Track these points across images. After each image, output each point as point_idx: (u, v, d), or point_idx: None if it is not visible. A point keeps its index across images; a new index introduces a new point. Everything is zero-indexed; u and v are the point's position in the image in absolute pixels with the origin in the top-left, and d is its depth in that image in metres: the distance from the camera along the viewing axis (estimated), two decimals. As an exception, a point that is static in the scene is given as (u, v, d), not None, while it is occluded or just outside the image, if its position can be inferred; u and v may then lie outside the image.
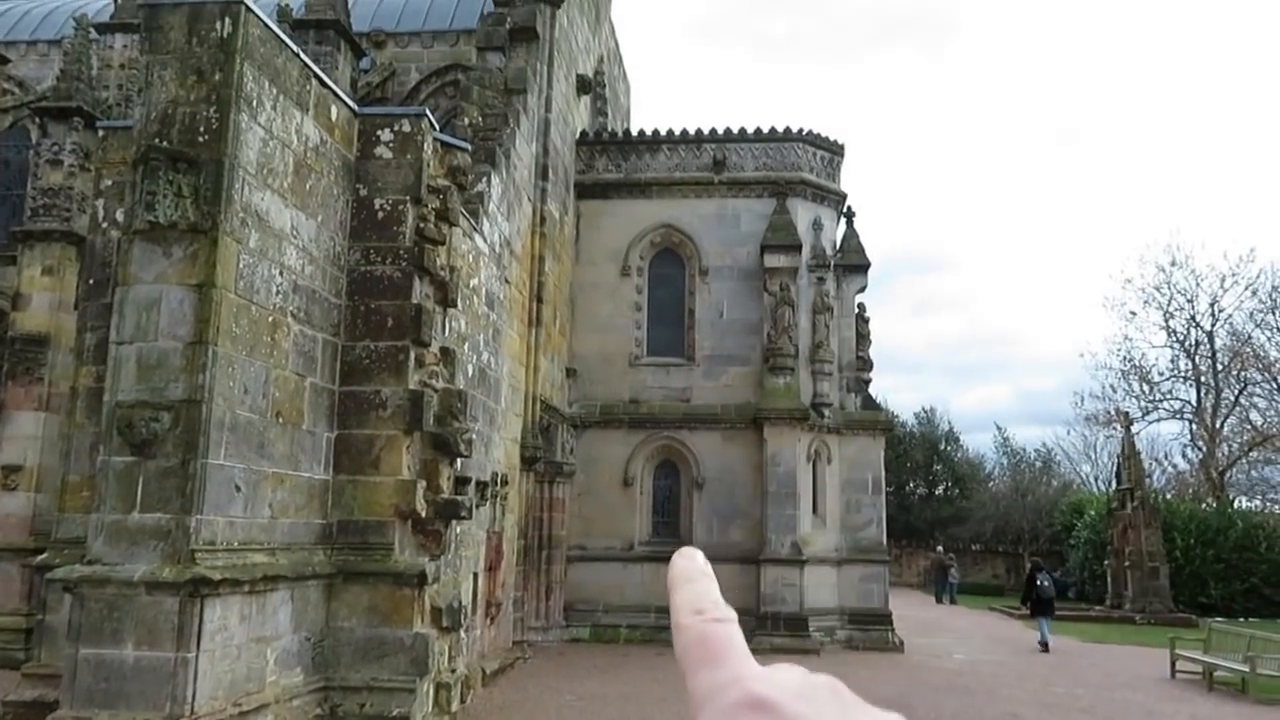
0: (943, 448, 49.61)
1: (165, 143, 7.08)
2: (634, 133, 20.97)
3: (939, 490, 49.47)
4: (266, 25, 7.76)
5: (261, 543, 7.59)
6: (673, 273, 20.20)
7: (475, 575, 13.06)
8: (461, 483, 12.07)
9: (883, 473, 20.03)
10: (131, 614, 6.60)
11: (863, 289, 20.65)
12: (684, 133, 20.24)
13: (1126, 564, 30.75)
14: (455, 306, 10.12)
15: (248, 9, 7.43)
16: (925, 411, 51.24)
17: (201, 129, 7.17)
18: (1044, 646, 19.59)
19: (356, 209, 9.26)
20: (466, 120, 15.26)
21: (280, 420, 7.91)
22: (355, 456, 8.84)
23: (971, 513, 46.08)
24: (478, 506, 13.05)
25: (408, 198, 9.27)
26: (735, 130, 20.18)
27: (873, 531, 19.48)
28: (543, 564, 18.07)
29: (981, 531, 44.53)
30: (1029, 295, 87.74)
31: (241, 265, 7.35)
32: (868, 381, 20.31)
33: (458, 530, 12.19)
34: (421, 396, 8.93)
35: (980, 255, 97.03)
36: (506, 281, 14.74)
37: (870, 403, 20.16)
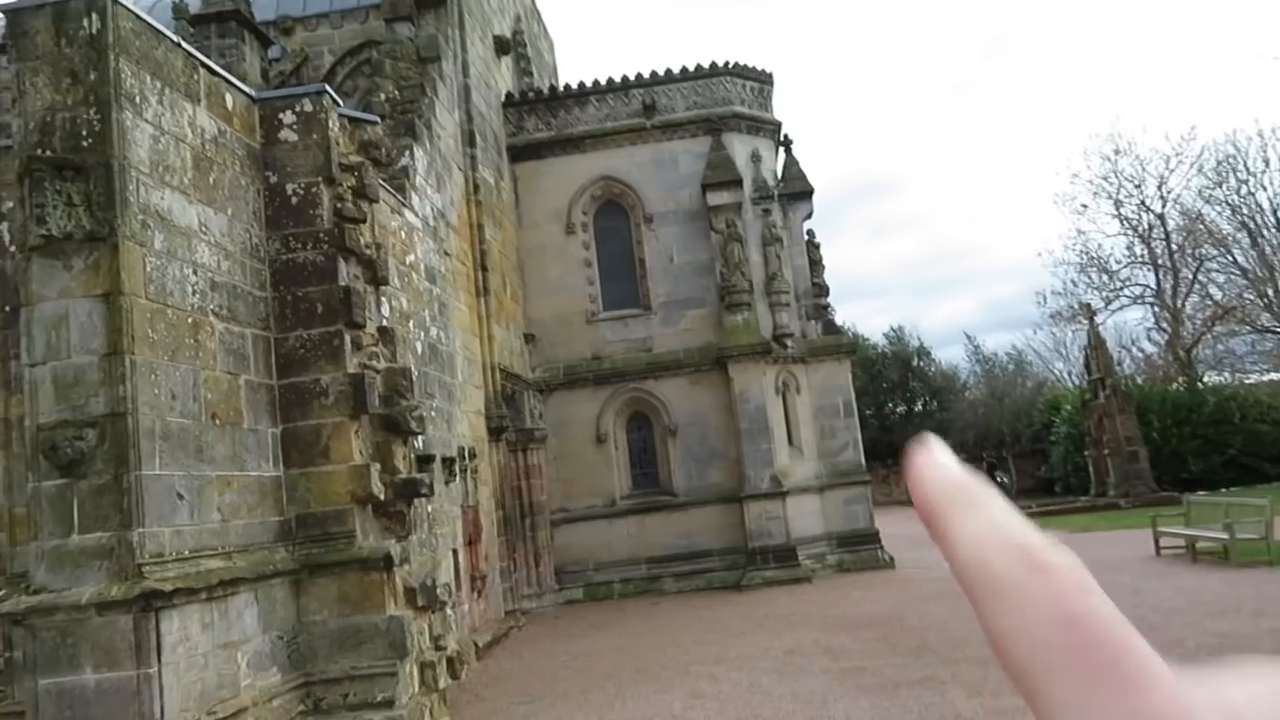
0: (915, 364, 49.89)
1: (47, 151, 6.78)
2: (560, 88, 20.58)
3: (918, 406, 49.83)
4: (139, 18, 7.42)
5: (215, 547, 7.42)
6: (618, 224, 19.98)
7: (455, 551, 12.96)
8: (425, 460, 11.94)
9: (853, 395, 20.07)
10: (85, 638, 6.44)
11: (809, 215, 20.54)
12: (610, 81, 19.91)
13: (1106, 452, 31.17)
14: (387, 284, 9.89)
15: (115, 2, 7.10)
16: (894, 331, 51.46)
17: (84, 132, 6.87)
18: None
19: (269, 197, 8.98)
20: (383, 95, 14.89)
21: (217, 422, 7.70)
22: (304, 449, 8.66)
23: (952, 423, 46.49)
24: (447, 482, 12.94)
25: (320, 179, 8.99)
26: (662, 73, 19.86)
27: (850, 454, 19.56)
28: (527, 531, 18.03)
29: (964, 440, 44.95)
30: (982, 205, 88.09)
31: (149, 268, 7.10)
32: (826, 307, 20.28)
33: (430, 509, 12.08)
34: (362, 379, 8.73)
35: (928, 172, 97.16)
36: (446, 254, 14.48)
37: (832, 328, 20.15)
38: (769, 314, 19.35)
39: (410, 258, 12.74)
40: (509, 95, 20.02)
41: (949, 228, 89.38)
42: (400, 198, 12.61)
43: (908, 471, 0.43)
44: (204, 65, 8.19)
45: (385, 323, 9.83)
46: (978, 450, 45.17)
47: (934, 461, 0.43)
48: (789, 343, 19.36)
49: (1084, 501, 31.65)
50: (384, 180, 12.85)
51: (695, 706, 8.87)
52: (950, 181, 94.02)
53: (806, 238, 20.41)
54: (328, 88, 9.27)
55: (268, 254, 8.88)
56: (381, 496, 8.82)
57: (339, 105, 9.40)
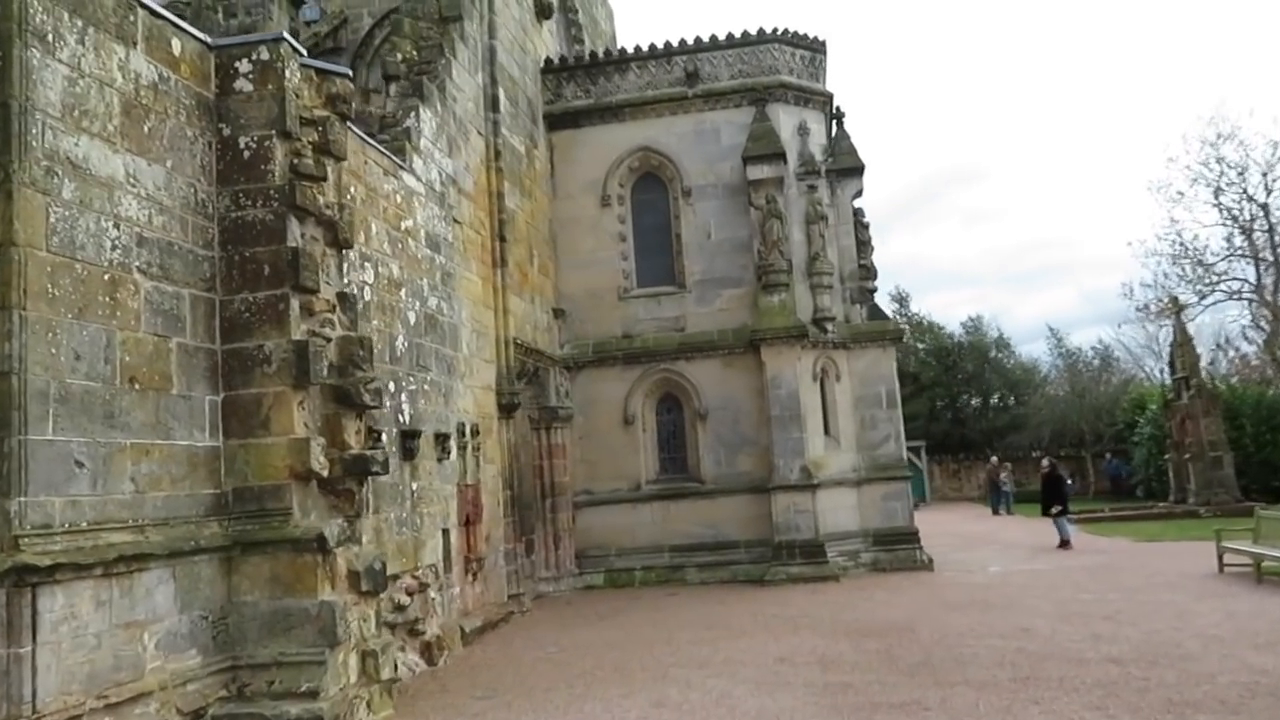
0: (993, 355, 47.83)
1: (-57, 91, 6.33)
2: (601, 54, 19.80)
3: (994, 399, 47.82)
4: (61, -49, 6.92)
5: (124, 520, 6.95)
6: (655, 198, 19.17)
7: (445, 532, 12.44)
8: (409, 435, 11.43)
9: (897, 385, 18.93)
10: (-39, 610, 6.02)
11: (859, 194, 19.39)
12: (652, 48, 19.05)
13: (1187, 456, 29.21)
14: (350, 248, 9.30)
15: (29, -68, 6.60)
16: (972, 320, 49.43)
17: (-17, 71, 6.40)
18: (1065, 543, 19.20)
19: (222, 151, 8.45)
20: (399, 55, 14.35)
21: (136, 386, 7.22)
22: (244, 419, 8.15)
23: (1028, 419, 44.52)
24: (439, 460, 12.42)
25: (273, 132, 8.41)
26: (706, 39, 18.91)
27: (891, 447, 18.46)
28: (547, 513, 17.51)
29: (1039, 437, 42.93)
30: (1081, 193, 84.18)
31: (54, 219, 6.61)
32: (873, 291, 19.15)
33: (415, 486, 11.58)
34: (307, 347, 8.16)
35: (1022, 157, 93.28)
36: (456, 221, 13.90)
37: (877, 313, 19.01)
38: (809, 296, 18.33)
39: (407, 223, 12.18)
40: (547, 61, 19.32)
41: (1045, 215, 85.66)
42: (398, 160, 12.04)
43: None
44: (144, 6, 7.67)
45: (347, 288, 9.26)
46: (1054, 447, 43.07)
47: None
48: (830, 327, 18.32)
49: (1161, 508, 29.73)
50: (384, 140, 12.34)
51: (650, 717, 8.13)
52: (1047, 168, 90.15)
53: (855, 217, 19.25)
54: (286, 35, 8.68)
55: (217, 211, 8.37)
56: (325, 473, 8.27)
57: (300, 55, 8.82)
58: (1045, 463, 24.06)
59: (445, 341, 13.09)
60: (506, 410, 15.10)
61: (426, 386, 12.28)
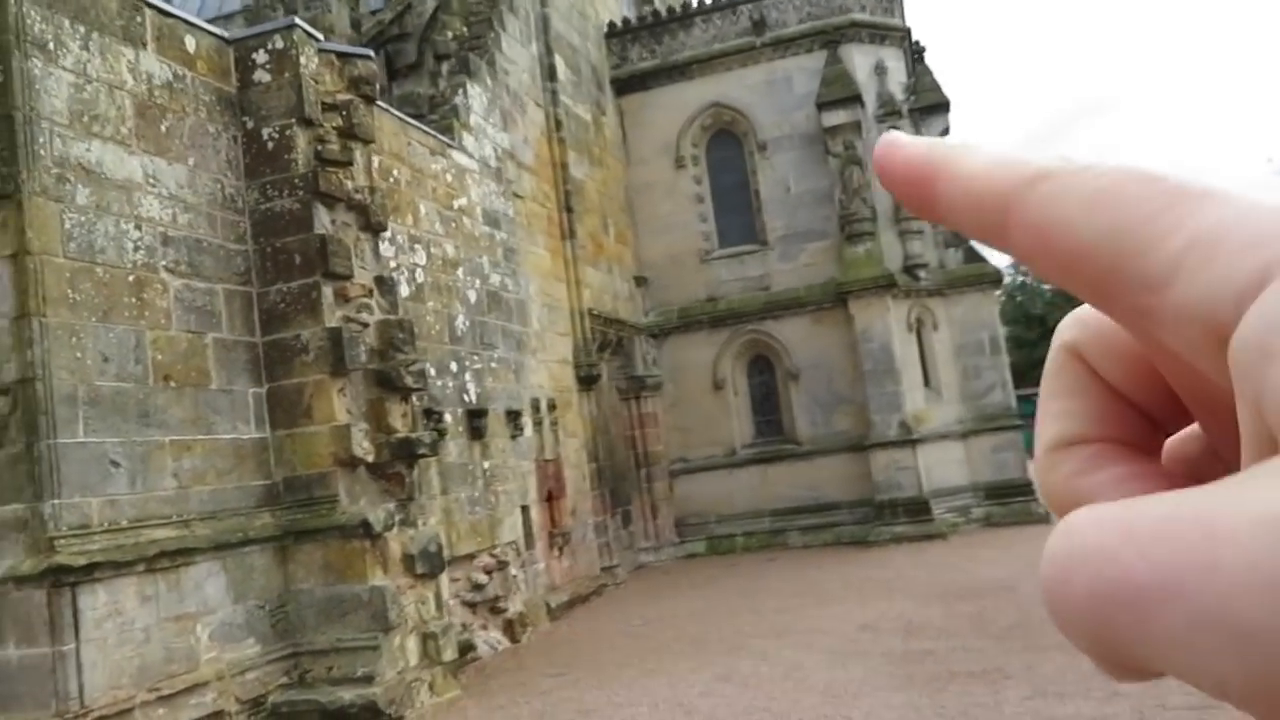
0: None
1: (-50, 108, 6.46)
2: (664, 12, 19.26)
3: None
4: (60, -42, 6.97)
5: (168, 516, 7.05)
6: (731, 155, 18.56)
7: (525, 509, 12.37)
8: (476, 415, 11.34)
9: (1000, 330, 17.87)
10: (7, 611, 6.21)
11: (945, 131, 18.28)
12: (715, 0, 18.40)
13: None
14: (384, 230, 9.19)
15: (23, -58, 6.65)
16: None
17: (-14, 85, 6.50)
18: None
19: (247, 144, 8.47)
20: (450, 33, 14.24)
21: (172, 384, 7.30)
22: (288, 409, 8.18)
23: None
24: (513, 437, 12.33)
25: (294, 120, 8.37)
26: (772, -17, 18.13)
27: (998, 396, 17.44)
28: (643, 483, 17.33)
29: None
30: (1216, 119, 78.25)
31: (69, 225, 6.70)
32: (969, 231, 18.03)
33: (487, 465, 11.53)
34: (341, 334, 8.12)
35: (1150, 88, 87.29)
36: (516, 196, 13.72)
37: (974, 255, 17.93)
38: (898, 243, 17.45)
39: (460, 201, 12.06)
40: (610, 25, 18.91)
41: (1181, 143, 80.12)
42: (445, 139, 11.91)
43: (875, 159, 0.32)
44: (151, 5, 7.69)
45: (395, 271, 9.18)
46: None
47: (907, 139, 0.32)
48: (922, 274, 17.41)
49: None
50: (433, 121, 12.24)
51: (713, 692, 7.82)
52: (1182, 94, 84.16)
53: (945, 154, 18.15)
54: (298, 20, 8.61)
55: (246, 204, 8.40)
56: (371, 458, 8.24)
57: (316, 40, 8.73)
58: None
59: (512, 318, 12.96)
60: (585, 383, 14.92)
61: (494, 364, 12.18)
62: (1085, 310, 0.33)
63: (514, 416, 12.38)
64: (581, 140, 16.61)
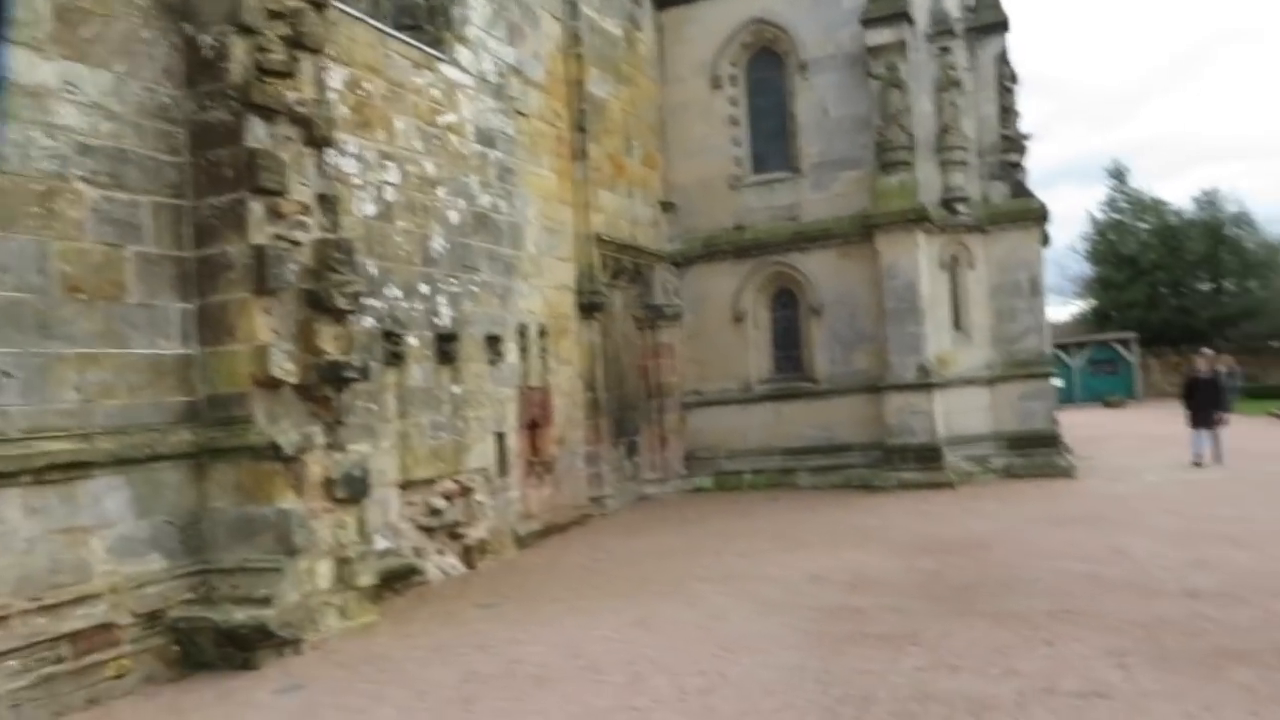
0: (1229, 233, 42.15)
1: None
2: (709, -80, 18.22)
3: (1228, 284, 42.37)
4: None
5: (66, 429, 7.07)
6: (771, 76, 17.69)
7: (500, 435, 12.25)
8: (446, 339, 11.19)
9: (1041, 271, 16.82)
10: (-108, 516, 6.34)
11: (1002, 54, 17.01)
12: (762, -95, 17.31)
13: None
14: (330, 146, 8.91)
15: None
16: (1206, 195, 43.60)
17: (-119, -15, 6.40)
18: (1198, 461, 16.10)
19: (186, 51, 8.25)
20: (459, -59, 13.68)
21: (81, 296, 7.26)
22: (214, 326, 8.10)
23: (1266, 305, 39.19)
24: (491, 362, 12.17)
25: (231, 27, 8.12)
26: (822, -112, 16.94)
27: (1032, 342, 16.51)
28: (654, 414, 17.10)
29: (1276, 327, 37.74)
30: (1367, 34, 71.57)
31: (-35, 132, 6.62)
32: (1016, 165, 16.91)
33: (456, 390, 11.41)
34: (265, 251, 7.95)
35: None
36: (520, 114, 13.29)
37: (1020, 190, 16.81)
38: (938, 174, 16.46)
39: (448, 118, 11.72)
40: (649, -66, 18.02)
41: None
42: (432, 51, 11.52)
43: None
44: (72, -96, 7.45)
45: (331, 190, 8.92)
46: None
47: None
48: (962, 208, 16.42)
49: None
50: (426, 32, 11.85)
51: (616, 637, 7.61)
52: (1323, 11, 77.17)
53: (999, 80, 16.96)
54: (235, -79, 8.26)
55: (184, 114, 8.22)
56: (293, 380, 8.14)
57: (256, -58, 8.38)
58: (1201, 362, 18.46)
59: (501, 240, 12.67)
60: (587, 310, 14.59)
61: (475, 288, 11.96)
62: None
63: (495, 342, 12.18)
64: (607, 57, 15.98)
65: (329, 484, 8.29)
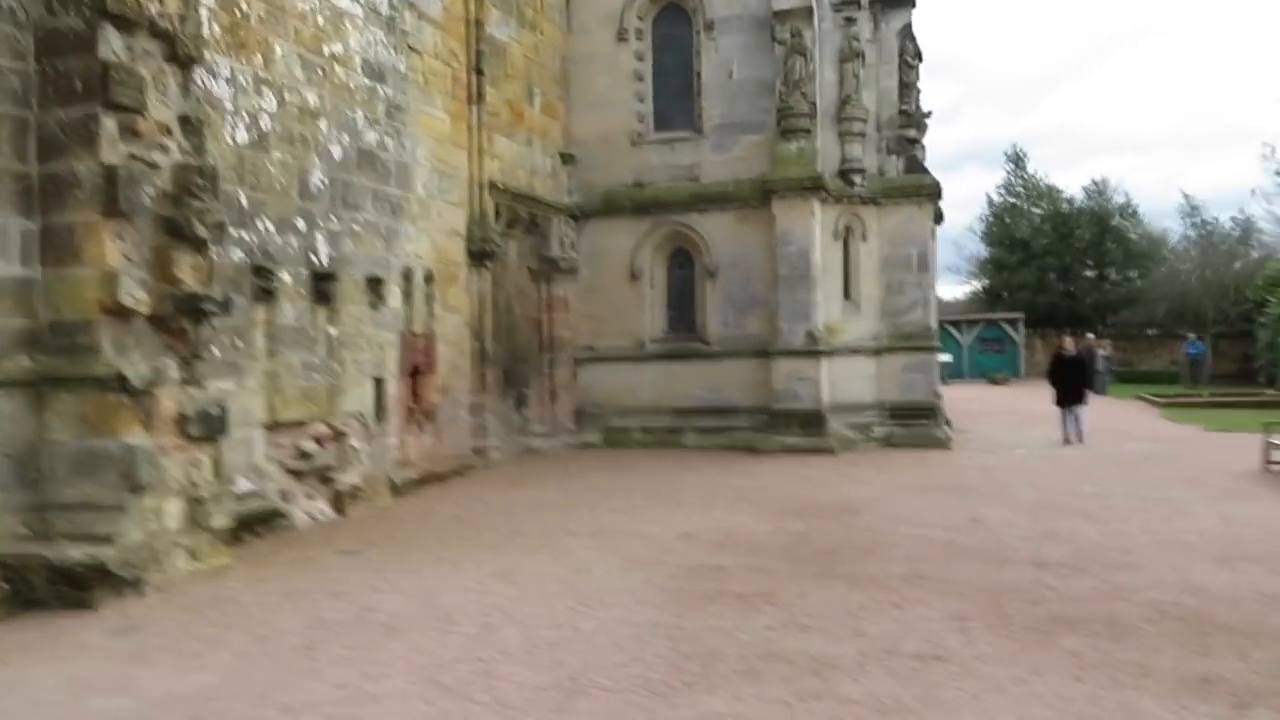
0: (1115, 223, 43.87)
1: None
2: None
3: (1110, 273, 44.18)
4: None
5: (-120, 349, 6.57)
6: (678, 33, 17.48)
7: (379, 380, 11.92)
8: (322, 279, 10.79)
9: (931, 247, 17.15)
10: None
11: (906, 27, 17.15)
12: None
13: (1306, 341, 26.16)
14: (198, 64, 8.41)
15: None
16: (1096, 184, 45.22)
17: None
18: (1066, 439, 16.66)
19: (37, -50, 7.65)
20: None
21: (-96, 207, 6.71)
22: (59, 248, 7.59)
23: (1144, 294, 41.02)
24: (372, 305, 11.80)
25: (87, -73, 7.54)
26: None
27: (918, 315, 16.87)
28: (545, 367, 16.93)
29: (1154, 314, 39.55)
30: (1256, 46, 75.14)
31: None
32: (913, 141, 17.15)
33: (333, 331, 11.03)
34: (117, 172, 7.47)
35: (1187, 18, 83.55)
36: (412, 50, 12.82)
37: (915, 165, 17.07)
38: (837, 144, 16.58)
39: (334, 48, 11.20)
40: (563, -124, 17.52)
41: (1223, 72, 77.12)
42: (321, -24, 10.97)
43: None
44: None
45: (197, 112, 8.43)
46: (1173, 326, 39.66)
47: None
48: (858, 179, 16.59)
49: (1269, 395, 26.99)
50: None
51: (475, 589, 7.49)
52: (1208, 27, 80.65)
53: (901, 55, 17.11)
54: None
55: (30, 19, 7.62)
56: (145, 310, 7.71)
57: None
58: (1069, 342, 19.19)
59: (389, 180, 12.24)
60: (478, 258, 14.29)
61: (357, 227, 11.54)
62: None
63: (377, 284, 11.81)
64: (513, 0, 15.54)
65: (183, 420, 7.92)
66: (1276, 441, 13.09)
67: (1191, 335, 36.12)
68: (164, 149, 7.96)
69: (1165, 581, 7.39)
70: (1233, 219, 43.26)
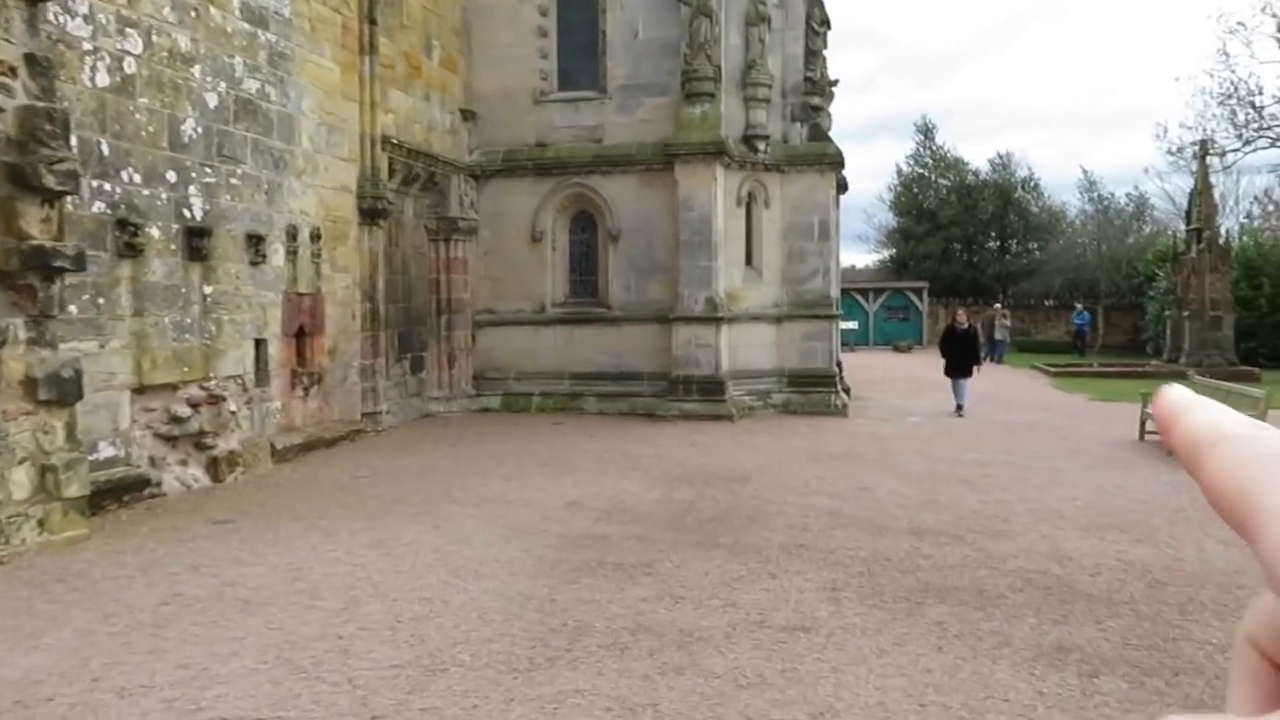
0: (1017, 196, 44.98)
1: None
2: None
3: (1012, 245, 45.36)
4: None
5: None
6: (584, -12, 17.06)
7: (261, 342, 11.45)
8: (198, 234, 10.26)
9: (833, 216, 17.22)
10: None
11: (812, -4, 17.06)
12: None
13: (1186, 314, 27.26)
14: (45, 1, 7.81)
15: None
16: (1001, 158, 46.27)
17: None
18: (959, 410, 16.90)
19: None
20: None
21: None
22: (-112, 195, 7.03)
23: (1043, 265, 42.24)
24: (253, 263, 11.29)
25: None
26: None
27: (818, 284, 16.96)
28: (442, 330, 16.56)
29: (1050, 286, 40.80)
30: (1158, 33, 77.57)
31: None
32: (818, 108, 17.14)
33: (206, 291, 10.51)
34: (-48, 114, 6.92)
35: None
36: (300, -5, 12.20)
37: (818, 133, 17.07)
38: (742, 110, 16.47)
39: (210, -11, 10.57)
40: None
41: (1125, 53, 79.41)
42: (194, -90, 10.31)
43: (1162, 417, 0.41)
44: None
45: (46, 51, 7.84)
46: (1069, 298, 40.97)
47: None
48: (762, 146, 16.53)
49: (1151, 366, 28.10)
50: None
51: (347, 560, 7.25)
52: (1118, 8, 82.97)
53: (807, 22, 17.04)
54: None
55: None
56: (-8, 264, 7.18)
57: None
58: (962, 315, 18.87)
59: (272, 132, 11.69)
60: (370, 216, 13.80)
61: (235, 180, 10.99)
62: (1260, 600, 0.38)
63: (257, 241, 11.29)
64: (408, -54, 14.92)
65: (31, 383, 7.43)
66: (1150, 412, 13.52)
67: (1079, 305, 37.35)
68: (7, 90, 7.38)
69: (1034, 550, 7.56)
70: (1128, 195, 44.86)
